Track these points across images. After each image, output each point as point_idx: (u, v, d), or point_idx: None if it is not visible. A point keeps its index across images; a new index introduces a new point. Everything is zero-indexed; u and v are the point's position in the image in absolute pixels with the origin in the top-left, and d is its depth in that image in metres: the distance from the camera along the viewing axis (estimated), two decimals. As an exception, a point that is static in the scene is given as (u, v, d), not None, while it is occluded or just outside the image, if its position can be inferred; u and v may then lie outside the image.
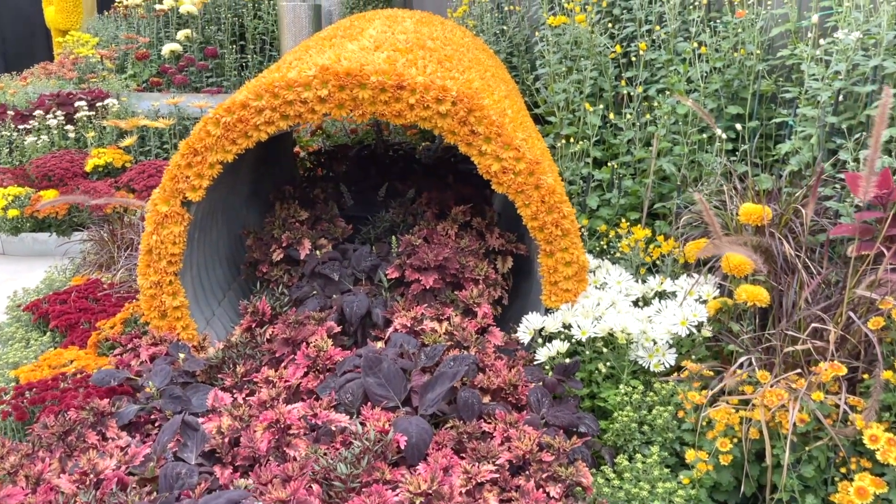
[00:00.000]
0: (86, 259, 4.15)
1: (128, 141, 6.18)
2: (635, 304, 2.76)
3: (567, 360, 2.49)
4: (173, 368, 2.47)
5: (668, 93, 3.16)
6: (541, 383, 2.40)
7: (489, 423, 2.21)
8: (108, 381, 2.44)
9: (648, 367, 2.51)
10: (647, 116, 3.28)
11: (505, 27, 4.85)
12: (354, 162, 3.91)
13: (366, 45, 2.90)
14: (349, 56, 2.56)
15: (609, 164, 3.35)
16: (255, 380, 2.37)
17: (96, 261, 4.04)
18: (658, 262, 2.95)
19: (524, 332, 2.61)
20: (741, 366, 2.30)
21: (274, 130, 2.51)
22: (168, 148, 6.29)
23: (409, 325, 2.54)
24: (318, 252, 2.81)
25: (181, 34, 7.15)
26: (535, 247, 2.94)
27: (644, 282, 2.81)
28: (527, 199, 2.56)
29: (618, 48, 3.54)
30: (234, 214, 3.29)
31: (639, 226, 3.01)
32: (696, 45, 3.09)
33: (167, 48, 7.05)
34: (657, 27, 3.41)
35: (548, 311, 2.73)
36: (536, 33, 4.05)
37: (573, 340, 2.55)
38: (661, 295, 2.76)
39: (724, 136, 2.84)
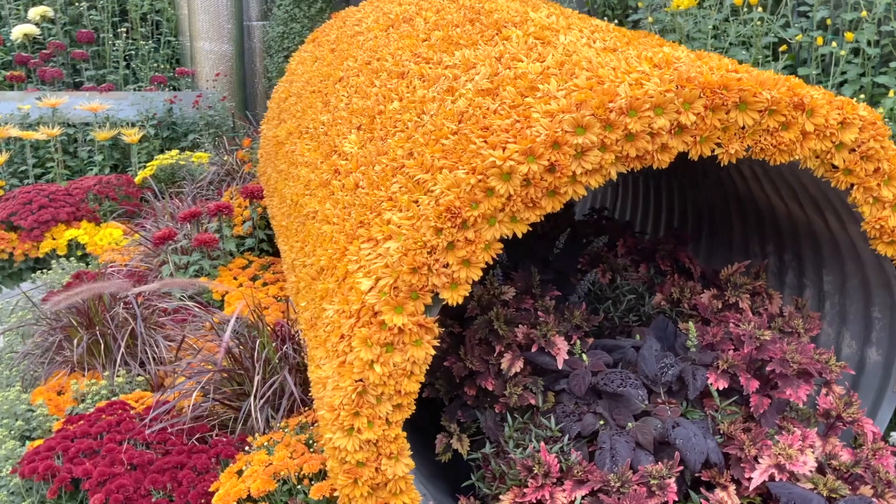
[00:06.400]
0: (35, 359, 2.75)
1: (-6, 159, 4.55)
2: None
3: None
4: None
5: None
6: None
7: None
8: None
9: None
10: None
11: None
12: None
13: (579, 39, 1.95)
14: (681, 58, 1.61)
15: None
16: None
17: (65, 359, 2.67)
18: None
19: (918, 451, 1.83)
20: None
21: (600, 182, 1.51)
22: (52, 167, 4.71)
23: (786, 466, 1.67)
24: (582, 355, 1.84)
25: (35, 13, 5.45)
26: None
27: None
28: (919, 262, 1.78)
29: (799, 37, 2.83)
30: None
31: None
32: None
33: (19, 30, 5.33)
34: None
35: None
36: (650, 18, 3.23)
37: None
38: None
39: None
